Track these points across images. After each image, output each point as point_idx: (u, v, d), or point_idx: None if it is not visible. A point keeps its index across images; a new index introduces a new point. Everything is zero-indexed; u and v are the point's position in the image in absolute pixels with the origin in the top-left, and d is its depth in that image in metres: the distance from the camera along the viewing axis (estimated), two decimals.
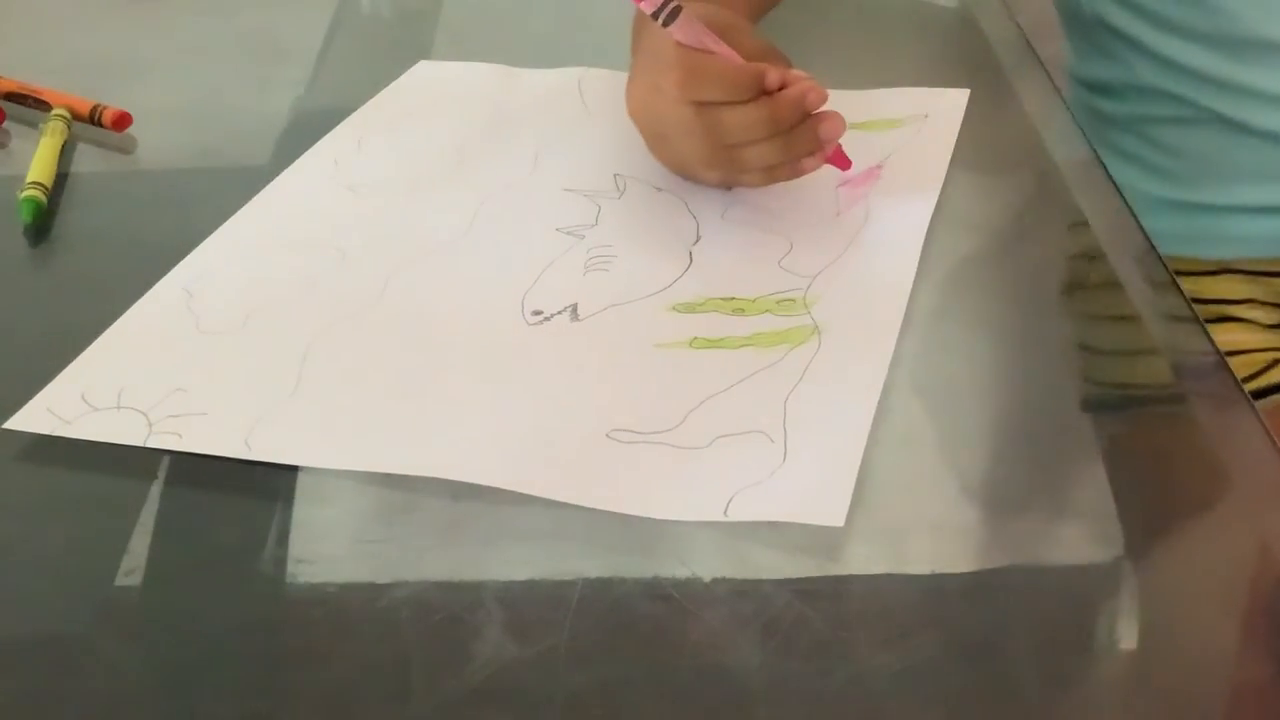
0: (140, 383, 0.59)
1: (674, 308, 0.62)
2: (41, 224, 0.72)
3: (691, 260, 0.66)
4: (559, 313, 0.62)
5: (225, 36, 0.95)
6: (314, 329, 0.62)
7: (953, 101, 0.79)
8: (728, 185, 0.70)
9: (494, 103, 0.82)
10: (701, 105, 0.65)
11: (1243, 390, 0.58)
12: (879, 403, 0.55)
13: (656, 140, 0.70)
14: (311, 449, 0.55)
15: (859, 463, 0.52)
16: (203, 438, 0.55)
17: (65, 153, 0.78)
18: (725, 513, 0.50)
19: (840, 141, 0.67)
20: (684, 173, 0.71)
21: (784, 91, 0.65)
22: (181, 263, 0.67)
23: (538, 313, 0.62)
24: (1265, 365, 0.91)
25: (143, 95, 0.83)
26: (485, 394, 0.58)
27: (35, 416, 0.57)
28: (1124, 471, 0.55)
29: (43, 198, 0.72)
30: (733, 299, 0.63)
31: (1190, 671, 0.47)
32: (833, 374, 0.57)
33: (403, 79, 0.86)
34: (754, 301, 0.62)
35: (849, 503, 0.50)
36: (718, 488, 0.51)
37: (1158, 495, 0.54)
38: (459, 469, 0.53)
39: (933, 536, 0.52)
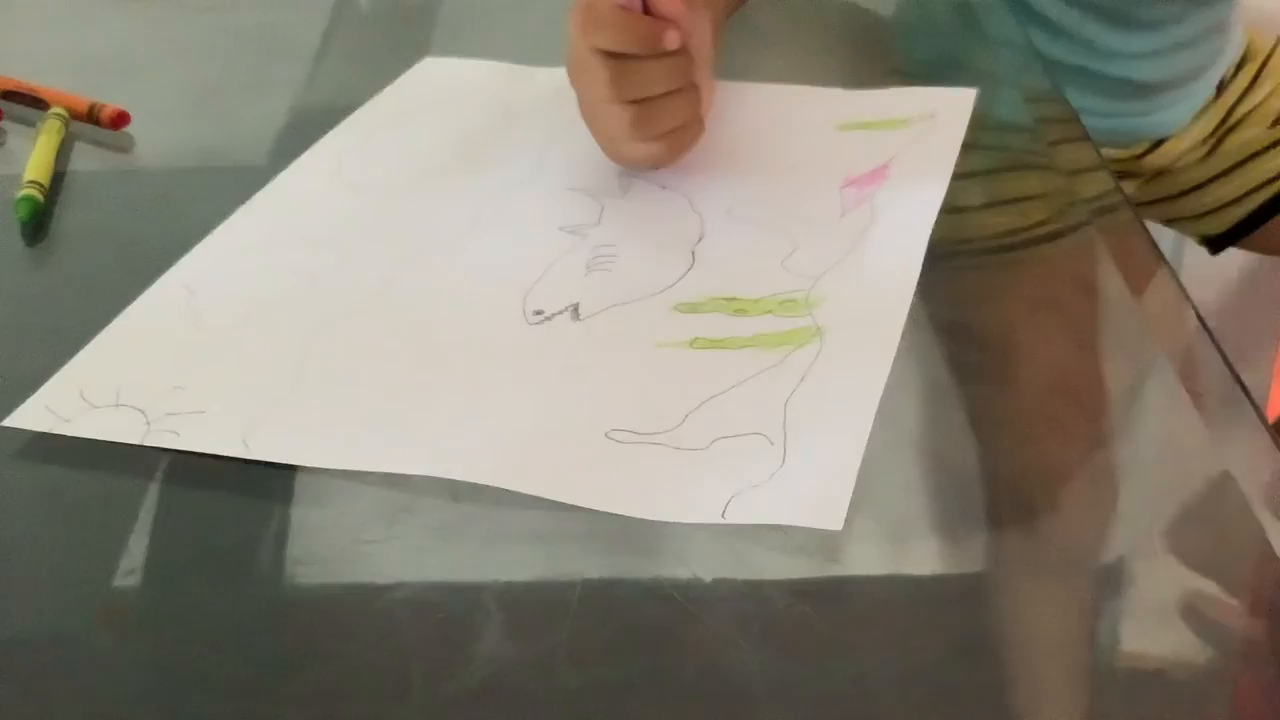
0: (139, 380, 0.59)
1: (676, 308, 0.62)
2: (39, 223, 0.71)
3: (694, 259, 0.66)
4: (560, 312, 0.62)
5: (223, 35, 0.95)
6: (313, 327, 0.62)
7: (959, 101, 0.79)
8: (654, 164, 0.71)
9: (500, 101, 0.82)
10: (608, 56, 0.66)
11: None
12: (880, 403, 0.55)
13: (583, 109, 0.70)
14: (310, 448, 0.55)
15: (858, 466, 0.52)
16: (201, 436, 0.55)
17: (63, 151, 0.78)
18: (723, 515, 0.50)
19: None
20: (611, 144, 0.71)
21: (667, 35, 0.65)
22: (182, 260, 0.67)
23: (539, 312, 0.62)
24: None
25: (141, 94, 0.83)
26: (485, 393, 0.57)
27: (34, 414, 0.57)
28: (1122, 475, 0.55)
29: (40, 196, 0.72)
30: (735, 299, 0.62)
31: (1192, 671, 0.47)
32: (834, 377, 0.57)
33: (406, 76, 0.85)
34: (756, 302, 0.62)
35: (847, 506, 0.50)
36: (716, 489, 0.51)
37: (1160, 497, 0.54)
38: (458, 468, 0.53)
39: (933, 537, 0.52)
